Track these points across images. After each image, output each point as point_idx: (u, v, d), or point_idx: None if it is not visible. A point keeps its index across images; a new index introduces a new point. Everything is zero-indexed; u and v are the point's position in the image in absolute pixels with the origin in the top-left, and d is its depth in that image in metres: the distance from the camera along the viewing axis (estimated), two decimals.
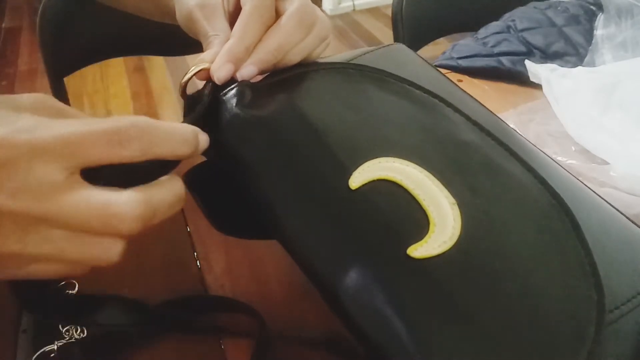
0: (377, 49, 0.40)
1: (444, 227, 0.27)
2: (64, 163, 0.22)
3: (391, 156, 0.29)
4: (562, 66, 0.66)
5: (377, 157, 0.29)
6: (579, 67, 0.66)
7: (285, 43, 0.32)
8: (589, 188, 0.34)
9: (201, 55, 0.32)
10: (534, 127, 0.59)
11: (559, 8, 0.79)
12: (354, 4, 2.92)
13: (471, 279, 0.26)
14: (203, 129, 0.28)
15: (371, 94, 0.33)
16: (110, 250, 0.25)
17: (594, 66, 0.68)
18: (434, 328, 0.24)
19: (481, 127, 0.32)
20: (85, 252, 0.24)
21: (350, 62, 0.36)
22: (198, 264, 0.45)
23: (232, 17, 0.34)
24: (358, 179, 0.28)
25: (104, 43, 0.87)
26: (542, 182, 0.30)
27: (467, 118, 0.32)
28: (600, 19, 0.74)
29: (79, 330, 0.39)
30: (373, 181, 0.28)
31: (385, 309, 0.25)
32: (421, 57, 0.41)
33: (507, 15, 0.81)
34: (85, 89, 2.16)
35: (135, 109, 2.05)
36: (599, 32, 0.73)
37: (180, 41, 0.93)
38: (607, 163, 0.54)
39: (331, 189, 0.28)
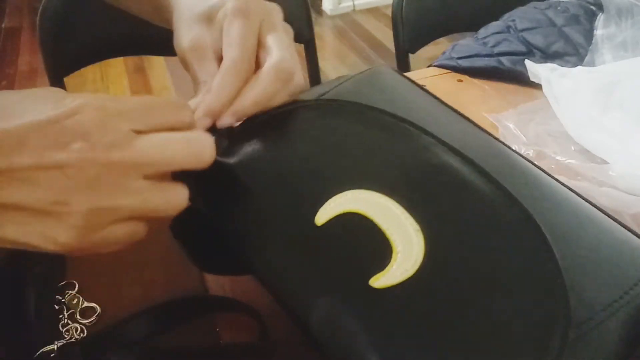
0: (360, 73, 0.40)
1: (407, 254, 0.28)
2: (144, 121, 0.27)
3: (357, 188, 0.30)
4: (562, 66, 0.66)
5: (343, 191, 0.30)
6: (579, 67, 0.66)
7: (262, 99, 0.34)
8: (577, 194, 0.33)
9: (189, 102, 0.34)
10: (533, 126, 0.59)
11: (559, 8, 0.79)
12: (354, 4, 2.92)
13: (432, 304, 0.27)
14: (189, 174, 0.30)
15: (340, 127, 0.34)
16: (181, 195, 0.29)
17: (594, 66, 0.68)
18: (394, 354, 0.26)
19: (454, 149, 0.32)
20: (163, 198, 0.28)
21: (325, 94, 0.36)
22: None
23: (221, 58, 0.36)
24: (324, 215, 0.29)
25: (104, 43, 0.87)
26: (512, 201, 0.30)
27: (441, 142, 0.32)
28: (600, 18, 0.74)
29: (78, 330, 0.39)
30: (339, 215, 0.29)
31: (349, 340, 0.27)
32: (406, 78, 0.41)
33: (507, 15, 0.81)
34: (85, 89, 2.16)
35: None
36: (599, 32, 0.73)
37: None
38: (606, 162, 0.54)
39: (298, 228, 0.30)
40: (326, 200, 0.30)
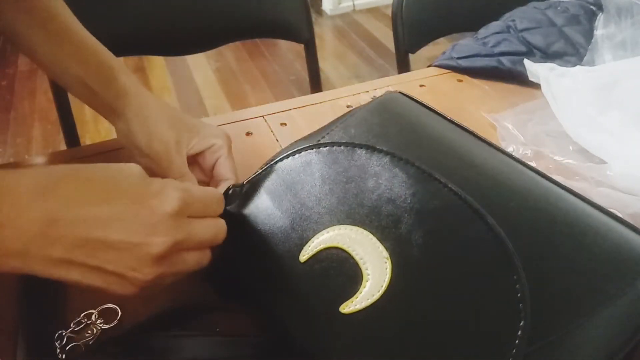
0: (370, 103, 0.45)
1: (375, 281, 0.32)
2: (203, 211, 0.36)
3: (337, 224, 0.35)
4: (562, 66, 0.66)
5: (325, 229, 0.35)
6: (578, 67, 0.66)
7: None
8: (571, 197, 0.35)
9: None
10: (532, 126, 0.59)
11: (559, 8, 0.79)
12: (354, 4, 2.92)
13: (389, 326, 0.30)
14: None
15: (325, 169, 0.39)
16: (206, 257, 0.36)
17: (594, 65, 0.68)
18: None
19: (432, 176, 0.35)
20: (197, 260, 0.35)
21: (335, 126, 0.43)
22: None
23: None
24: (306, 252, 0.35)
25: (104, 43, 0.87)
26: (489, 227, 0.32)
27: (426, 172, 0.36)
28: (600, 18, 0.74)
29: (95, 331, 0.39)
30: (320, 251, 0.34)
31: (323, 356, 0.32)
32: (416, 102, 0.45)
33: (507, 15, 0.81)
34: None
35: None
36: (598, 31, 0.73)
37: (180, 41, 0.93)
38: (604, 162, 0.54)
39: (285, 264, 0.35)
40: (310, 239, 0.35)
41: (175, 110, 0.50)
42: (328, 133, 0.42)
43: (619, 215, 0.35)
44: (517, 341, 0.28)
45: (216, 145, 0.50)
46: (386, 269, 0.32)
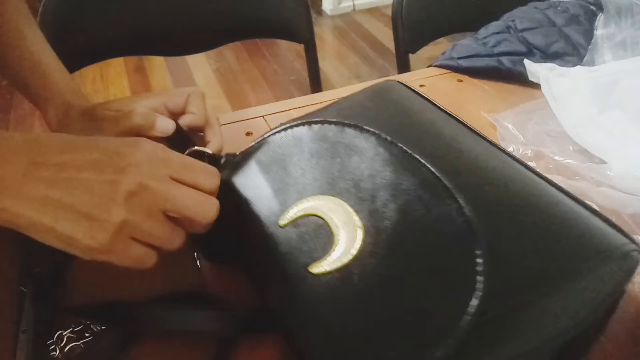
0: (368, 87, 0.48)
1: (346, 247, 0.34)
2: (181, 174, 0.36)
3: (318, 195, 0.38)
4: (562, 66, 0.66)
5: (306, 198, 0.38)
6: (578, 67, 0.66)
7: None
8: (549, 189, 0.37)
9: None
10: (532, 126, 0.59)
11: (559, 8, 0.79)
12: (354, 4, 2.92)
13: (355, 289, 0.32)
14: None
15: (313, 144, 0.42)
16: (180, 235, 0.37)
17: (594, 65, 0.68)
18: (312, 328, 0.33)
19: (417, 159, 0.38)
20: (171, 229, 0.36)
21: (333, 105, 0.46)
22: (198, 264, 0.45)
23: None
24: (286, 217, 0.38)
25: (104, 43, 0.87)
26: (458, 205, 0.34)
27: (407, 152, 0.38)
28: (600, 18, 0.74)
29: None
30: (299, 217, 0.37)
31: (288, 313, 0.34)
32: (413, 91, 0.47)
33: (507, 15, 0.81)
34: (85, 89, 2.16)
35: None
36: (598, 31, 0.73)
37: (180, 41, 0.93)
38: (604, 162, 0.54)
39: (266, 228, 0.38)
40: (291, 206, 0.38)
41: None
42: (321, 113, 0.45)
43: (620, 215, 0.35)
44: (471, 310, 0.30)
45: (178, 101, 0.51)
46: (358, 237, 0.34)
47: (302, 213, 0.37)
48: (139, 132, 0.47)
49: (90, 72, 2.23)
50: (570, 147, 0.57)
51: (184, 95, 0.51)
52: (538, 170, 0.39)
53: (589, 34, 0.73)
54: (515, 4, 0.83)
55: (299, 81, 2.23)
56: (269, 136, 0.44)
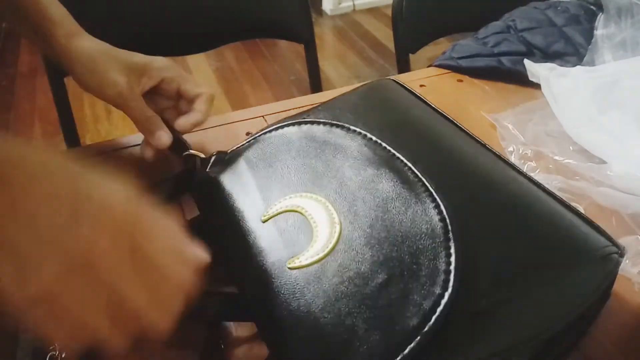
0: (361, 85, 0.49)
1: (323, 242, 0.35)
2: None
3: (300, 192, 0.39)
4: (562, 66, 0.66)
5: (288, 195, 0.39)
6: (578, 67, 0.66)
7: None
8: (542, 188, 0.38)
9: (179, 120, 0.54)
10: (532, 126, 0.59)
11: (559, 8, 0.79)
12: (354, 4, 2.92)
13: (330, 281, 0.33)
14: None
15: (302, 143, 0.43)
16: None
17: (594, 65, 0.68)
18: (287, 320, 0.33)
19: (400, 159, 0.39)
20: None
21: (326, 104, 0.47)
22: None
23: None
24: (268, 213, 0.39)
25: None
26: (436, 204, 0.35)
27: (391, 152, 0.40)
28: (600, 18, 0.74)
29: None
30: (280, 213, 0.38)
31: (266, 307, 0.35)
32: (407, 90, 0.48)
33: (507, 15, 0.81)
34: None
35: None
36: (598, 31, 0.73)
37: (180, 41, 0.93)
38: (604, 162, 0.54)
39: (248, 223, 0.39)
40: (274, 203, 0.39)
41: (120, 52, 0.52)
42: (313, 112, 0.46)
43: (620, 214, 0.35)
44: (442, 308, 0.30)
45: (167, 77, 0.53)
46: (335, 232, 0.36)
47: (284, 209, 0.38)
48: (135, 120, 0.51)
49: None
50: (570, 147, 0.57)
51: (198, 89, 0.53)
52: (537, 170, 0.39)
53: (589, 34, 0.73)
54: (515, 4, 0.83)
55: (299, 81, 2.23)
56: (259, 135, 0.46)
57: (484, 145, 0.42)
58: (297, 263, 0.35)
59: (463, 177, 0.38)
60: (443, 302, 0.30)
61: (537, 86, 0.65)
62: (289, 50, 2.47)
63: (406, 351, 0.29)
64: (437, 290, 0.31)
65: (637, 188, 0.49)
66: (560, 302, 0.31)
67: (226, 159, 0.45)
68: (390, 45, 1.27)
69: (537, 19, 0.76)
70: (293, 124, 0.45)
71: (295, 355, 0.32)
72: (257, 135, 0.46)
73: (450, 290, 0.31)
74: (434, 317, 0.30)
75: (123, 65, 0.51)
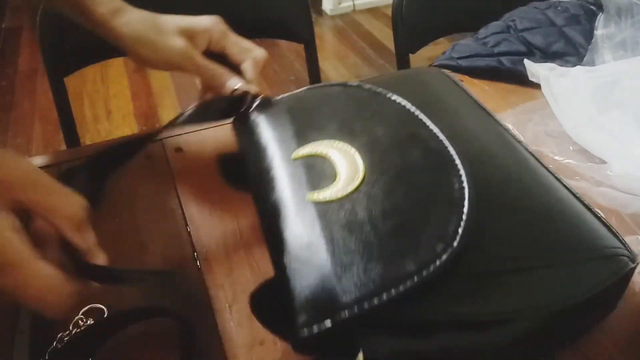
0: (410, 69, 0.55)
1: (345, 184, 0.38)
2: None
3: (332, 139, 0.42)
4: (562, 66, 0.66)
5: (322, 141, 0.42)
6: (578, 67, 0.66)
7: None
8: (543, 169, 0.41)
9: (230, 81, 0.53)
10: (532, 126, 0.59)
11: (559, 8, 0.79)
12: (354, 4, 2.92)
13: (352, 217, 0.35)
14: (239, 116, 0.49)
15: (343, 99, 0.46)
16: None
17: (594, 65, 0.68)
18: (301, 250, 0.35)
19: (429, 128, 0.41)
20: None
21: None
22: (198, 264, 0.45)
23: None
24: (298, 153, 0.42)
25: (104, 43, 0.87)
26: (459, 178, 0.37)
27: (422, 121, 0.42)
28: (600, 18, 0.74)
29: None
30: (310, 155, 0.41)
31: (279, 231, 0.37)
32: (449, 78, 0.51)
33: (507, 15, 0.81)
34: (85, 89, 2.16)
35: (135, 109, 2.05)
36: (598, 31, 0.73)
37: None
38: (604, 162, 0.54)
39: (280, 159, 0.42)
40: (305, 144, 0.42)
41: (165, 18, 0.52)
42: (361, 81, 0.49)
43: (620, 214, 0.36)
44: (438, 263, 0.32)
45: (214, 39, 0.54)
46: (357, 179, 0.38)
47: (314, 153, 0.41)
48: (204, 77, 0.52)
49: (90, 72, 2.23)
50: (570, 147, 0.57)
51: (242, 55, 0.54)
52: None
53: (589, 34, 0.73)
54: (515, 4, 0.83)
55: (299, 81, 2.23)
56: (306, 89, 0.49)
57: (516, 140, 0.44)
58: (316, 197, 0.37)
59: (490, 158, 0.40)
60: (444, 256, 0.32)
61: (537, 86, 0.65)
62: (289, 50, 2.47)
63: (399, 289, 0.31)
64: (441, 246, 0.32)
65: (637, 188, 0.49)
66: (562, 286, 0.33)
67: (271, 103, 0.48)
68: (390, 45, 1.27)
69: (537, 19, 0.76)
70: (339, 85, 0.48)
71: (295, 274, 0.34)
72: (303, 89, 0.49)
73: (453, 248, 0.32)
74: (432, 267, 0.31)
75: (175, 29, 0.51)
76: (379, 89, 0.46)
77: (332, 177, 0.39)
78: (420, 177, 0.37)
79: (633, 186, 0.49)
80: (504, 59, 0.72)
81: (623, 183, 0.50)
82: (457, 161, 0.38)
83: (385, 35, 2.63)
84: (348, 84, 0.48)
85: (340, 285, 0.31)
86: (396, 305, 0.31)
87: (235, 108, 0.50)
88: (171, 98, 2.14)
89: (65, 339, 0.38)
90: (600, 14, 0.75)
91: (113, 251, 0.46)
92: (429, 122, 0.42)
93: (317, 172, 0.39)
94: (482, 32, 0.79)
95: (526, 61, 0.67)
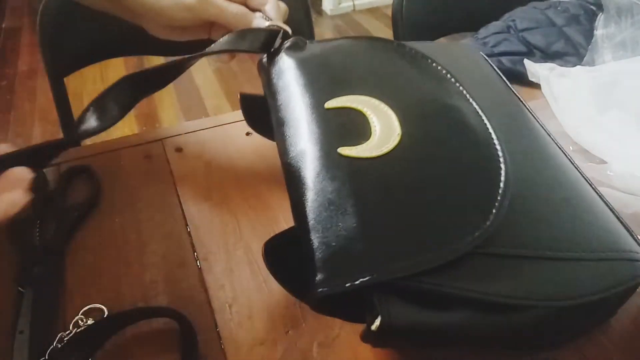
0: (451, 42, 0.54)
1: (379, 144, 0.35)
2: None
3: (369, 95, 0.39)
4: (562, 66, 0.66)
5: (357, 94, 0.39)
6: (578, 67, 0.66)
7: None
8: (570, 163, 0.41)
9: (256, 21, 0.50)
10: None
11: (559, 8, 0.79)
12: (354, 4, 2.92)
13: (378, 184, 0.33)
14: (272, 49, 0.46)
15: (381, 54, 0.44)
16: None
17: (594, 65, 0.68)
18: (319, 198, 0.33)
19: (473, 105, 0.40)
20: None
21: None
22: (198, 264, 0.45)
23: None
24: (331, 103, 0.39)
25: (104, 43, 0.87)
26: (495, 152, 0.36)
27: (460, 87, 0.41)
28: (600, 18, 0.74)
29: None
30: (344, 107, 0.38)
31: (304, 183, 0.35)
32: (488, 63, 0.50)
33: (507, 15, 0.81)
34: (85, 89, 2.16)
35: (135, 109, 2.05)
36: (598, 31, 0.73)
37: (180, 41, 0.92)
38: (605, 162, 0.54)
39: (312, 106, 0.39)
40: (339, 96, 0.39)
41: None
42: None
43: (620, 214, 0.36)
44: (464, 243, 0.31)
45: None
46: (393, 142, 0.36)
47: (350, 105, 0.38)
48: (229, 19, 0.49)
49: (90, 72, 2.22)
50: (571, 147, 0.57)
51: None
52: None
53: (589, 34, 0.73)
54: (515, 4, 0.83)
55: None
56: (343, 38, 0.46)
57: (550, 136, 0.44)
58: (348, 152, 0.35)
59: (527, 144, 0.39)
60: (477, 232, 0.31)
61: (537, 86, 0.65)
62: None
63: (426, 257, 0.30)
64: (477, 221, 0.32)
65: (637, 188, 0.49)
66: (584, 281, 0.32)
67: (303, 47, 0.45)
68: None
69: (537, 19, 0.76)
70: (381, 40, 0.45)
71: (317, 230, 0.32)
72: (342, 38, 0.46)
73: (488, 224, 0.31)
74: (465, 240, 0.31)
75: None
76: (423, 54, 0.44)
77: (366, 134, 0.36)
78: (458, 149, 0.36)
79: (633, 186, 0.49)
80: (504, 59, 0.72)
81: (623, 183, 0.50)
82: (495, 139, 0.36)
83: (385, 35, 2.60)
84: (391, 41, 0.45)
85: (366, 247, 0.30)
86: (420, 276, 0.30)
87: (269, 41, 0.46)
88: (171, 98, 2.14)
89: (65, 339, 0.38)
90: (600, 14, 0.75)
91: (113, 251, 0.46)
92: (469, 95, 0.40)
93: (351, 126, 0.37)
94: (482, 32, 0.79)
95: (526, 61, 0.67)
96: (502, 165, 0.35)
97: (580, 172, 0.40)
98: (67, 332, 0.38)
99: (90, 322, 0.39)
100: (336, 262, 0.30)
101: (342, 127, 0.37)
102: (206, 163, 0.56)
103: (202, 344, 0.38)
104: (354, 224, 0.31)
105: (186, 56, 0.47)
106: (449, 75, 0.42)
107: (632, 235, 0.36)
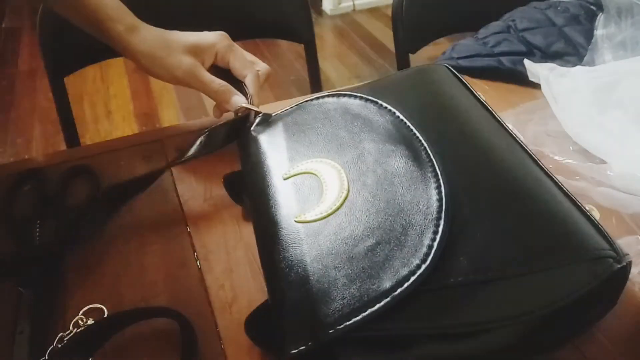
0: (414, 67, 0.54)
1: (330, 203, 0.39)
2: None
3: (322, 158, 0.43)
4: (562, 66, 0.66)
5: (311, 159, 0.43)
6: (578, 67, 0.66)
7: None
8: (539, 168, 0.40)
9: (233, 100, 0.55)
10: (532, 127, 0.59)
11: (559, 8, 0.79)
12: (354, 4, 2.92)
13: (332, 235, 0.37)
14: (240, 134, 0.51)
15: (335, 113, 0.47)
16: None
17: (594, 65, 0.68)
18: (282, 263, 0.37)
19: (421, 141, 0.41)
20: None
21: (367, 85, 0.51)
22: (198, 264, 0.45)
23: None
24: (289, 172, 0.43)
25: (104, 43, 0.86)
26: (438, 189, 0.37)
27: (415, 135, 0.42)
28: (600, 18, 0.74)
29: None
30: (299, 174, 0.43)
31: (270, 252, 0.38)
32: (454, 76, 0.51)
33: (507, 15, 0.81)
34: (85, 89, 2.16)
35: (135, 109, 2.05)
36: (598, 31, 0.73)
37: None
38: (605, 162, 0.54)
39: (272, 179, 0.43)
40: (296, 164, 0.43)
41: (175, 35, 0.55)
42: (358, 88, 0.51)
43: (620, 213, 0.35)
44: (414, 278, 0.33)
45: (219, 53, 0.56)
46: (342, 197, 0.39)
47: (303, 171, 0.43)
48: (209, 93, 0.54)
49: (90, 72, 2.23)
50: (570, 147, 0.57)
51: (244, 70, 0.56)
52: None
53: (589, 34, 0.73)
54: (515, 4, 0.83)
55: (299, 81, 2.23)
56: (303, 102, 0.50)
57: (514, 139, 0.43)
58: (302, 218, 0.39)
59: (478, 163, 0.40)
60: (419, 272, 0.33)
61: (537, 86, 0.65)
62: (289, 50, 2.47)
63: (375, 307, 0.32)
64: (416, 262, 0.34)
65: (637, 188, 0.49)
66: (540, 293, 0.32)
67: (269, 121, 0.50)
68: (390, 45, 1.27)
69: (537, 19, 0.76)
70: (333, 95, 0.49)
71: (283, 295, 0.35)
72: (300, 102, 0.50)
73: (427, 264, 0.33)
74: (406, 284, 0.33)
75: (182, 47, 0.54)
76: (370, 98, 0.47)
77: (318, 195, 0.40)
78: (399, 191, 0.38)
79: (633, 186, 0.49)
80: (504, 59, 0.72)
81: (623, 183, 0.50)
82: (440, 173, 0.38)
83: (385, 35, 2.63)
84: (342, 93, 0.49)
85: (323, 304, 0.33)
86: (375, 322, 0.32)
87: (240, 127, 0.52)
88: (171, 98, 2.14)
89: (65, 339, 0.38)
90: (600, 14, 0.75)
91: (113, 252, 0.46)
92: (416, 132, 0.42)
93: (305, 191, 0.41)
94: (482, 32, 0.79)
95: (526, 61, 0.67)
96: (444, 201, 0.36)
97: (548, 175, 0.40)
98: (67, 332, 0.38)
99: (90, 322, 0.39)
100: (301, 323, 0.33)
101: (298, 195, 0.41)
102: (206, 163, 0.56)
103: (202, 344, 0.38)
104: (312, 284, 0.34)
105: (164, 166, 0.51)
106: (398, 114, 0.44)
107: (600, 232, 0.35)
